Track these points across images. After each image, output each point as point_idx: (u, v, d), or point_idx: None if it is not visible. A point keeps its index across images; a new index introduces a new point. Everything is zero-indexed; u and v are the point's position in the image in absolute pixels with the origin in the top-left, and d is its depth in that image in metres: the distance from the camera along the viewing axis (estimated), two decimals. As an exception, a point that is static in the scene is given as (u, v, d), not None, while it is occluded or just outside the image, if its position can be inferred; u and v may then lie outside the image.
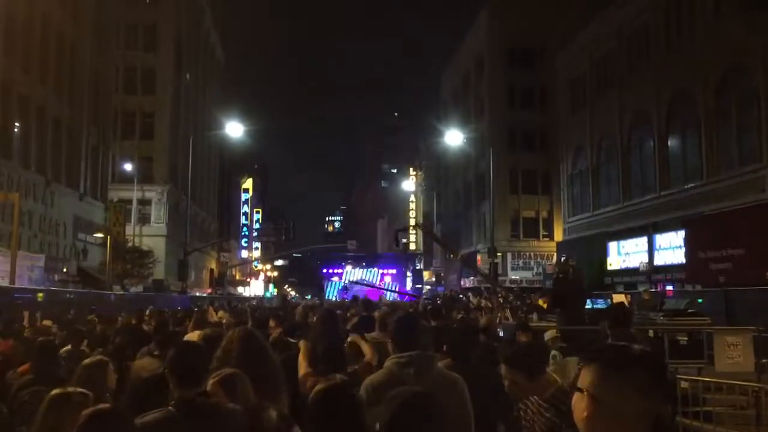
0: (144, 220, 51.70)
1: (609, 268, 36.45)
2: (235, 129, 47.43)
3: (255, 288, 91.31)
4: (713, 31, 27.51)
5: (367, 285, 53.73)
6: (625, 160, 35.97)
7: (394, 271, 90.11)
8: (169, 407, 3.24)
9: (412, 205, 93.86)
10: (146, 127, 54.24)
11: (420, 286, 71.98)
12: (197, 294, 47.78)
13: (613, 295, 21.09)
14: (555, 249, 46.55)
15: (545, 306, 19.93)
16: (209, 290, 55.85)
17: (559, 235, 48.38)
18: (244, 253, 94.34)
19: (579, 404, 1.78)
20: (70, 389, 3.69)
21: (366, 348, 5.74)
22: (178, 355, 3.54)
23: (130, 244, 44.66)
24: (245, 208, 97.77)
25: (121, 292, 35.80)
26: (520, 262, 52.49)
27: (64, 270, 35.21)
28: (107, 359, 4.81)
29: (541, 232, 53.38)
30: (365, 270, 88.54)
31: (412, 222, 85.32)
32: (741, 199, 25.09)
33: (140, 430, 3.03)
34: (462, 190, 62.51)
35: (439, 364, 4.10)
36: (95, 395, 4.15)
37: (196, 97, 64.30)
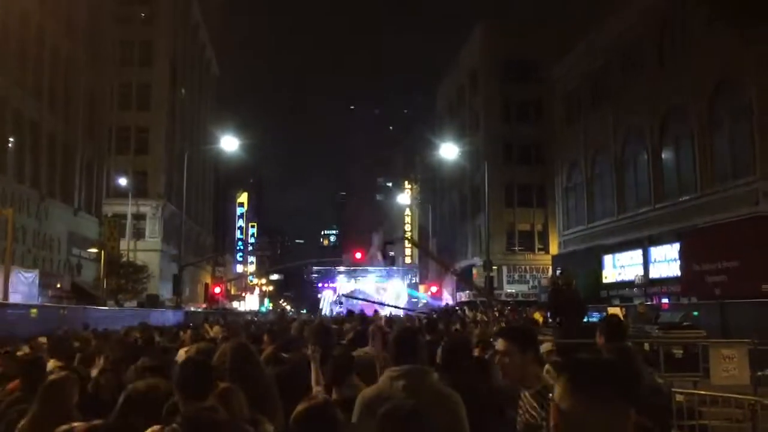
0: (138, 234, 51.54)
1: (604, 281, 36.44)
2: (230, 143, 47.42)
3: (250, 303, 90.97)
4: (706, 45, 27.69)
5: (361, 299, 53.47)
6: (620, 173, 36.08)
7: (389, 285, 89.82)
8: (174, 424, 3.19)
9: (408, 219, 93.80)
10: (141, 142, 54.28)
11: (415, 299, 71.78)
12: (192, 309, 47.57)
13: (609, 308, 21.07)
14: (551, 262, 46.54)
15: (541, 319, 19.90)
16: (204, 305, 55.61)
17: (554, 249, 48.40)
18: (239, 268, 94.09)
19: (552, 415, 1.78)
20: (76, 425, 3.67)
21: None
22: (184, 370, 3.52)
23: (124, 259, 44.49)
24: (240, 223, 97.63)
25: (116, 308, 35.60)
26: (516, 276, 52.42)
27: (58, 285, 35.01)
28: (70, 375, 4.81)
29: (537, 245, 53.38)
30: (360, 284, 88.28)
31: (408, 235, 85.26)
32: (735, 212, 25.15)
33: None
34: (457, 203, 62.56)
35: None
36: (61, 412, 4.14)
37: (191, 112, 64.39)
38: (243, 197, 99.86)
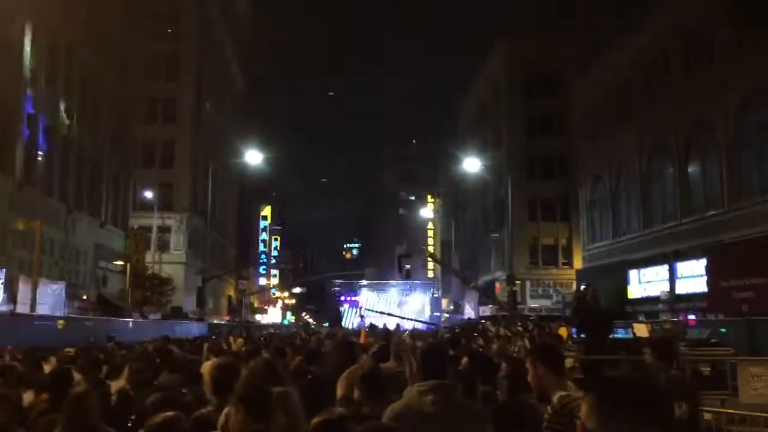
0: (163, 247, 52.08)
1: (629, 296, 35.97)
2: (254, 157, 47.90)
3: (273, 315, 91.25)
4: (732, 58, 27.42)
5: (384, 313, 53.36)
6: (645, 187, 35.73)
7: (411, 299, 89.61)
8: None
9: (430, 233, 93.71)
10: (167, 155, 54.94)
11: (438, 314, 71.49)
12: (215, 321, 47.86)
13: (635, 325, 20.80)
14: (575, 277, 46.13)
15: (565, 335, 19.71)
16: (227, 317, 55.89)
17: (578, 263, 47.97)
18: (262, 281, 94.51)
19: None
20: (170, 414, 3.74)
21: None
22: (250, 391, 3.51)
23: (149, 272, 44.96)
24: (264, 236, 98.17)
25: (140, 320, 35.95)
26: (540, 290, 52.03)
27: (84, 297, 35.49)
28: (92, 389, 4.87)
29: (561, 259, 52.97)
30: (382, 297, 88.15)
31: (430, 249, 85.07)
32: (763, 227, 24.74)
33: None
34: (480, 217, 62.36)
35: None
36: (87, 425, 4.19)
37: (216, 126, 65.09)
38: (266, 210, 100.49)
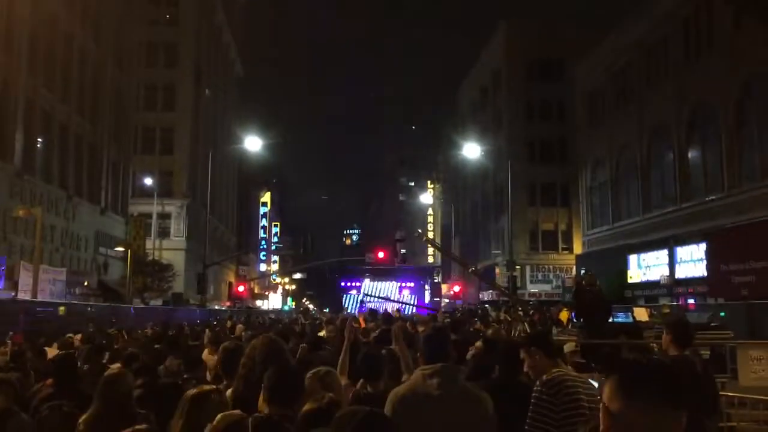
0: (164, 234, 52.10)
1: (629, 281, 36.09)
2: (253, 143, 47.77)
3: (273, 301, 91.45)
4: (733, 42, 27.32)
5: (384, 299, 53.55)
6: (645, 172, 35.71)
7: (412, 285, 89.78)
8: (250, 417, 3.21)
9: (430, 218, 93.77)
10: (166, 142, 54.83)
11: (438, 299, 71.67)
12: (216, 307, 47.99)
13: (635, 309, 20.86)
14: (574, 262, 46.23)
15: (565, 319, 19.78)
16: (228, 303, 56.03)
17: (578, 248, 48.06)
18: (263, 267, 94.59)
19: (601, 416, 1.79)
20: (206, 387, 3.72)
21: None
22: (279, 374, 3.51)
23: (150, 258, 45.02)
24: (263, 222, 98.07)
25: (141, 306, 36.06)
26: (539, 275, 52.19)
27: (86, 284, 35.55)
28: (124, 372, 4.86)
29: (561, 244, 53.06)
30: (383, 283, 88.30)
31: (430, 234, 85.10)
32: (763, 212, 24.75)
33: None
34: (480, 202, 62.38)
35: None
36: (120, 408, 4.21)
37: (215, 112, 64.92)
38: (266, 197, 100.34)
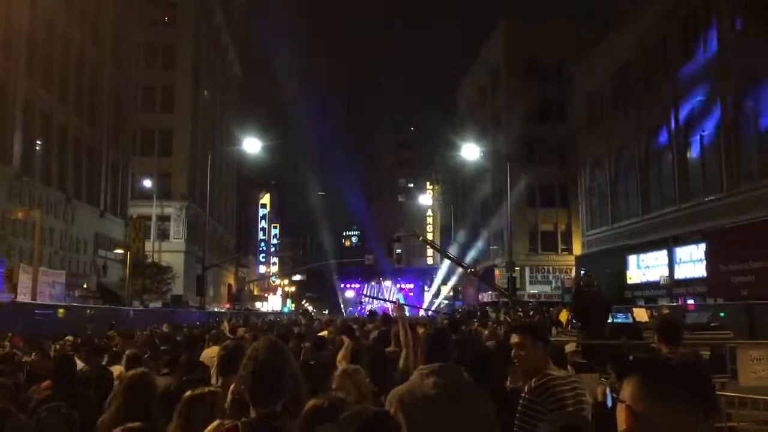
0: (163, 236, 52.09)
1: (629, 281, 36.07)
2: (252, 145, 47.75)
3: (273, 303, 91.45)
4: (731, 41, 27.32)
5: (384, 300, 53.50)
6: (644, 172, 35.69)
7: (411, 286, 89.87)
8: (238, 422, 3.17)
9: (429, 220, 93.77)
10: (165, 144, 54.82)
11: (437, 300, 71.67)
12: (215, 309, 47.95)
13: (634, 310, 20.85)
14: (574, 263, 46.21)
15: (565, 320, 19.78)
16: (227, 305, 55.98)
17: (577, 249, 48.04)
18: (262, 269, 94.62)
19: (620, 416, 1.77)
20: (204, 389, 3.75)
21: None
22: (258, 372, 3.47)
23: (149, 260, 44.99)
24: (263, 224, 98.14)
25: (141, 308, 36.03)
26: (539, 276, 52.15)
27: (85, 286, 35.54)
28: (145, 373, 4.83)
29: (560, 245, 53.03)
30: (382, 284, 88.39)
31: (430, 236, 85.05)
32: (762, 212, 24.74)
33: None
34: (479, 203, 62.34)
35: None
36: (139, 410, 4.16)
37: (214, 114, 64.91)
38: (265, 198, 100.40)
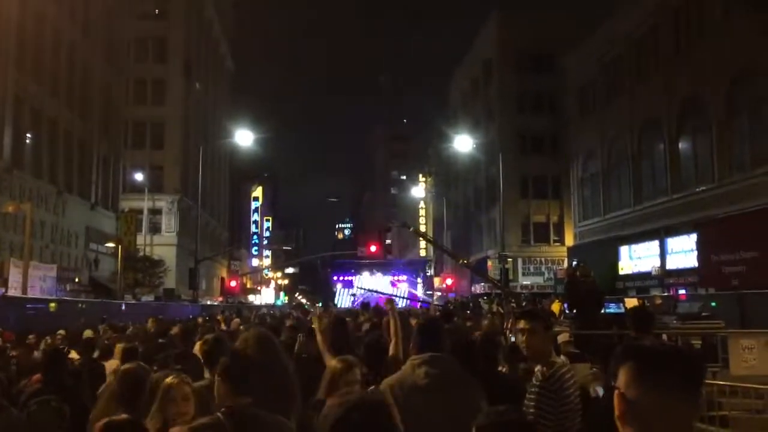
0: (155, 229, 51.91)
1: (620, 272, 36.22)
2: (244, 137, 47.55)
3: (266, 296, 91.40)
4: (724, 33, 27.35)
5: (377, 292, 53.50)
6: (636, 163, 35.79)
7: (404, 278, 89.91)
8: (218, 414, 3.17)
9: (422, 212, 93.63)
10: (156, 137, 54.59)
11: (431, 292, 71.72)
12: (208, 303, 47.88)
13: (626, 299, 20.93)
14: (566, 254, 46.33)
15: (557, 311, 19.84)
16: (220, 298, 55.91)
17: (570, 240, 48.16)
18: (255, 262, 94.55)
19: (616, 402, 1.76)
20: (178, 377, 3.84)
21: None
22: (233, 363, 3.47)
23: (141, 254, 44.85)
24: (255, 217, 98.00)
25: (133, 302, 35.93)
26: (531, 268, 52.25)
27: (76, 280, 35.42)
28: (141, 366, 4.79)
29: (552, 237, 53.13)
30: (375, 277, 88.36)
31: (422, 228, 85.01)
32: (754, 202, 24.86)
33: None
34: (472, 195, 62.39)
35: None
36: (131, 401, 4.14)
37: (205, 107, 64.63)
38: (258, 191, 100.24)
